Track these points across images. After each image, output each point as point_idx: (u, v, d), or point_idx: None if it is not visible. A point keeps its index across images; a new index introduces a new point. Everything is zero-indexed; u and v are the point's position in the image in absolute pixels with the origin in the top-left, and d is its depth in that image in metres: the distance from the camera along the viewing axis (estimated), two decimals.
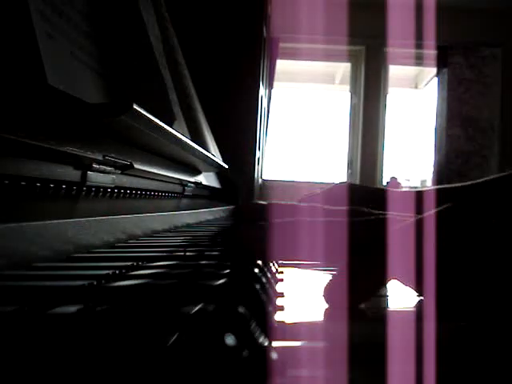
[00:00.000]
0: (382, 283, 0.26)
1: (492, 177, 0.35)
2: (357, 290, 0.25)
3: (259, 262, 0.28)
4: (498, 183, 0.33)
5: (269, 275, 0.27)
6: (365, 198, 0.37)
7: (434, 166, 3.31)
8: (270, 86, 2.45)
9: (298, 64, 3.36)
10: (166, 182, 0.63)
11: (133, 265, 0.29)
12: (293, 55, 3.14)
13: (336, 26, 2.80)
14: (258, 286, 0.21)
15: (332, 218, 0.29)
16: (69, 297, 0.20)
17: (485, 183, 0.34)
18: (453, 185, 0.38)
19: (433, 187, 0.39)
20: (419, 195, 0.35)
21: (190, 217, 0.76)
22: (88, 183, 0.36)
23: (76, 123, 0.34)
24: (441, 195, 0.36)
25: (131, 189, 0.48)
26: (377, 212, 0.32)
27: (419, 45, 2.98)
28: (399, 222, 0.28)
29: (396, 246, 0.25)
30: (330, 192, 0.40)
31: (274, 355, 0.14)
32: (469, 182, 0.37)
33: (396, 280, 0.27)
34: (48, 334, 0.15)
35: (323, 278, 0.33)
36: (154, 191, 0.57)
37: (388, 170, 3.31)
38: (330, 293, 0.26)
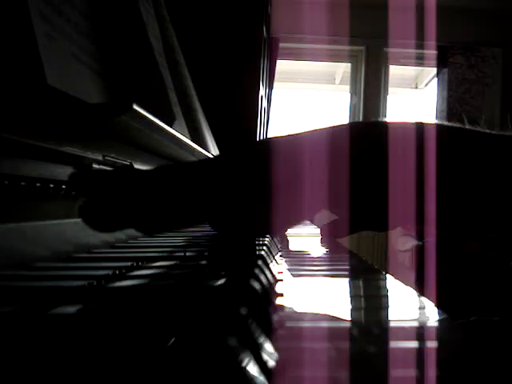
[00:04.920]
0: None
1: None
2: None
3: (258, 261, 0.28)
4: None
5: (269, 275, 0.27)
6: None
7: None
8: (269, 86, 2.45)
9: (297, 64, 3.35)
10: None
11: (132, 265, 0.29)
12: (293, 55, 3.14)
13: (336, 26, 2.80)
14: (257, 286, 0.21)
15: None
16: (69, 297, 0.20)
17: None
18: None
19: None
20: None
21: None
22: None
23: (76, 123, 0.34)
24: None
25: None
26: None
27: (419, 45, 2.98)
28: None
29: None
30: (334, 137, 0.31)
31: (275, 355, 0.14)
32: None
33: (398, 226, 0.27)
34: (48, 334, 0.15)
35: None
36: None
37: None
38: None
